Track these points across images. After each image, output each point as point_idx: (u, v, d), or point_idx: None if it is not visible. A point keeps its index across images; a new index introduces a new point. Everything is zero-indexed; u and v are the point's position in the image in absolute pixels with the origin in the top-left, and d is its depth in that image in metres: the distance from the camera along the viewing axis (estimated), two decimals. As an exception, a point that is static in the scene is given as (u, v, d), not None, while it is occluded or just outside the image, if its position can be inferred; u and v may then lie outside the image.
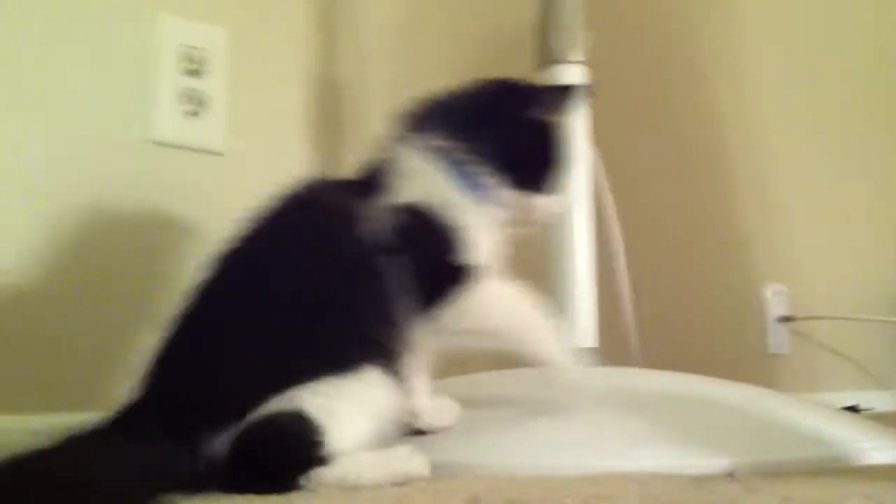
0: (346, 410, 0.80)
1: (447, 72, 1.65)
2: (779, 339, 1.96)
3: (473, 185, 0.93)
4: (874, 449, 0.96)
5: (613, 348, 1.28)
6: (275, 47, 1.47)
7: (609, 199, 1.43)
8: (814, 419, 1.01)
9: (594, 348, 1.25)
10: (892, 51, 2.28)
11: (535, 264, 1.27)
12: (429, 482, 0.79)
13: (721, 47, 2.02)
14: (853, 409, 1.44)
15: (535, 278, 1.19)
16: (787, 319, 1.94)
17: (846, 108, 2.21)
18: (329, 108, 1.52)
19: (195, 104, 1.34)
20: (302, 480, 0.76)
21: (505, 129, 0.96)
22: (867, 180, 2.23)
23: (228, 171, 1.38)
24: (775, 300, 1.96)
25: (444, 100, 1.00)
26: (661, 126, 1.95)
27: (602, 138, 1.37)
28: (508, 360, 0.97)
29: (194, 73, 1.35)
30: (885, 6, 2.31)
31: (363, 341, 0.82)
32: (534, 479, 0.79)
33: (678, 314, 1.84)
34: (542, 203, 0.97)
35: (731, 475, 0.78)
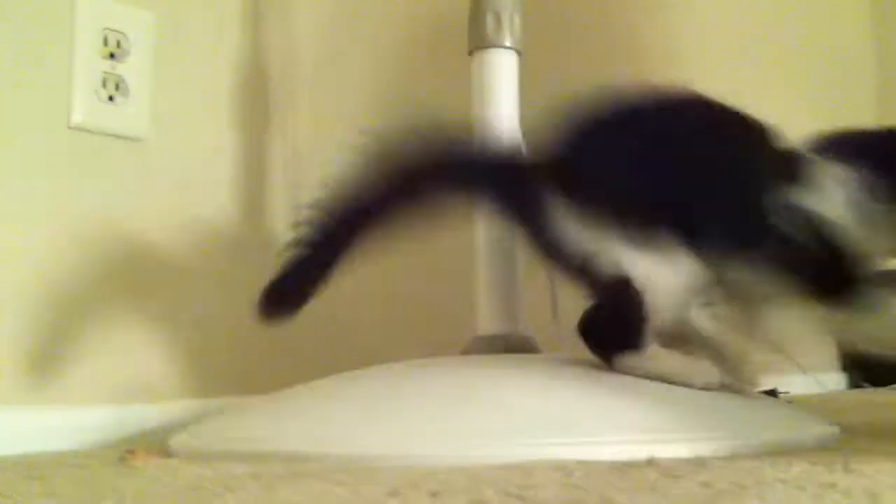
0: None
1: (377, 59, 1.64)
2: None
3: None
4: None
5: (540, 334, 1.27)
6: (201, 32, 1.43)
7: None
8: (731, 402, 1.01)
9: (526, 335, 1.25)
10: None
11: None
12: (347, 474, 0.77)
13: (661, 39, 2.03)
14: (772, 392, 1.46)
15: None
16: None
17: (787, 101, 2.24)
18: (256, 94, 1.49)
19: (117, 89, 1.31)
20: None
21: None
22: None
23: (150, 157, 1.34)
24: None
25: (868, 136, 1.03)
26: None
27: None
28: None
29: (117, 56, 1.31)
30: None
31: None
32: (454, 471, 0.78)
33: None
34: None
35: (650, 461, 0.77)
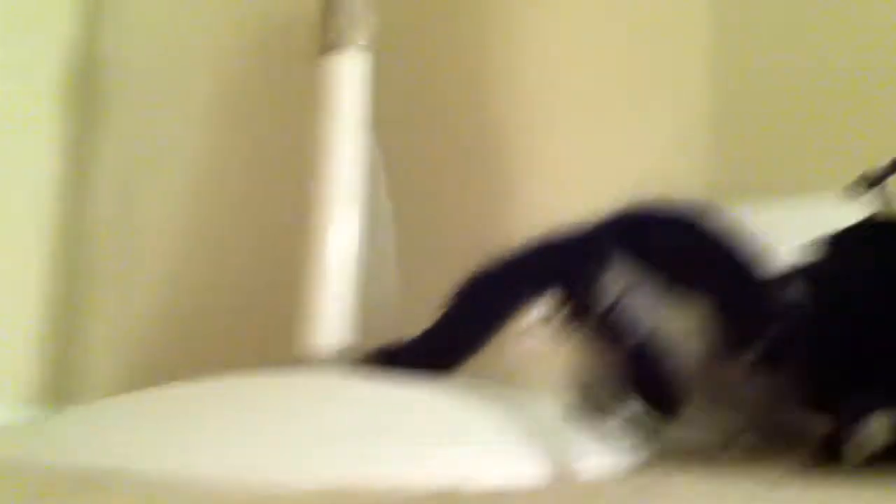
0: None
1: (220, 58, 1.57)
2: None
3: None
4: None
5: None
6: (33, 24, 1.33)
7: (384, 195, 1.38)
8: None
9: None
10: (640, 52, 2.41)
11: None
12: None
13: (505, 46, 2.03)
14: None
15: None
16: None
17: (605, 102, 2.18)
18: (89, 88, 1.40)
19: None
20: None
21: None
22: (621, 177, 2.20)
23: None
24: None
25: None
26: (444, 117, 1.90)
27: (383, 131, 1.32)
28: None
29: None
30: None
31: None
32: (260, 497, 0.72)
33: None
34: None
35: (453, 493, 0.74)
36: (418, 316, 1.44)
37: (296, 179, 1.24)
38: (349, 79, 1.24)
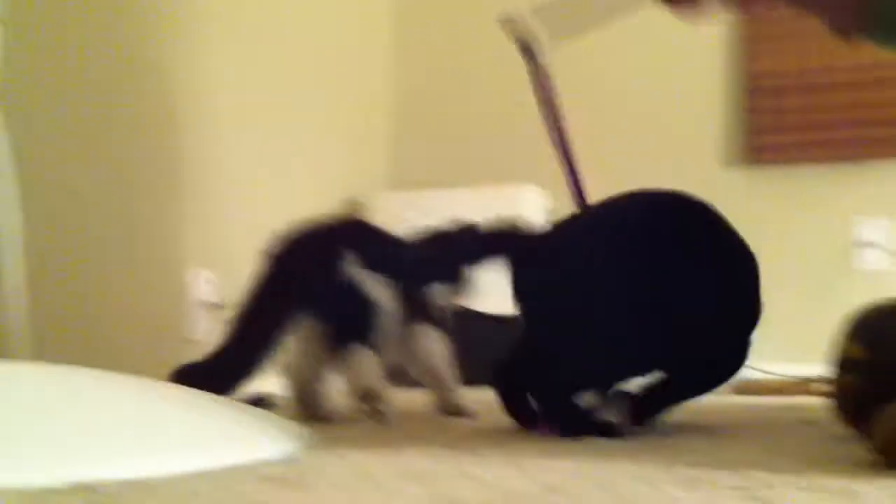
0: None
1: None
2: (204, 327, 1.89)
3: None
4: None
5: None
6: None
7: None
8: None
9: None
10: (327, 54, 2.47)
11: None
12: None
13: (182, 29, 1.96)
14: (261, 399, 1.43)
15: None
16: (214, 306, 1.90)
17: (290, 102, 2.33)
18: None
19: None
20: None
21: None
22: (304, 172, 2.40)
23: None
24: (201, 286, 1.91)
25: None
26: (98, 96, 1.74)
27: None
28: None
29: None
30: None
31: None
32: None
33: (94, 300, 1.66)
34: None
35: (79, 486, 0.68)
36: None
37: None
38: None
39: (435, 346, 1.41)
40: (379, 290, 1.35)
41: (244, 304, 1.35)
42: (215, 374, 1.30)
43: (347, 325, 1.34)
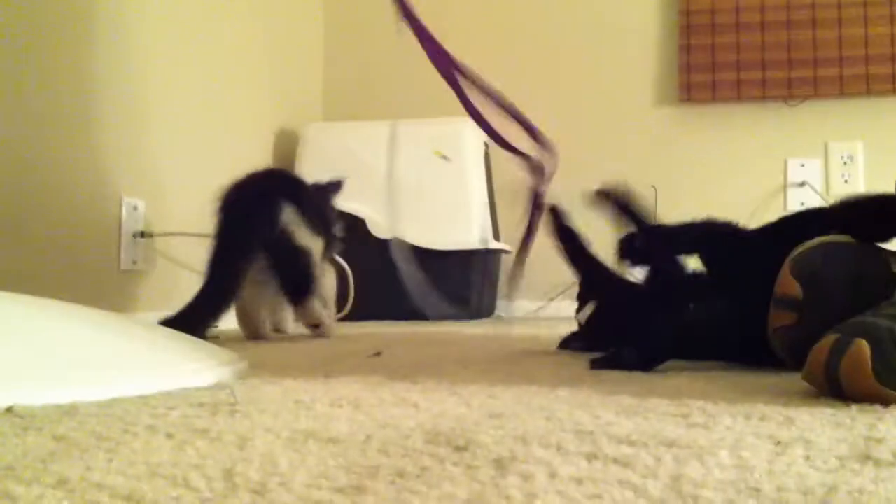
0: None
1: None
2: (134, 255, 1.88)
3: None
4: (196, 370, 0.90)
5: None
6: None
7: None
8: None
9: None
10: None
11: None
12: None
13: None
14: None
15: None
16: (143, 235, 1.88)
17: (222, 32, 2.29)
18: None
19: None
20: None
21: None
22: (236, 103, 2.37)
23: None
24: (132, 215, 1.87)
25: None
26: (24, 21, 1.65)
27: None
28: None
29: None
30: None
31: None
32: None
33: (24, 228, 1.60)
34: None
35: (9, 410, 0.67)
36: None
37: None
38: None
39: (329, 279, 1.80)
40: (308, 238, 1.63)
41: (210, 255, 1.55)
42: (193, 319, 1.46)
43: (296, 283, 1.61)
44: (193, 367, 0.91)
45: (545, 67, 2.73)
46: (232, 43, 2.35)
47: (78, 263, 1.72)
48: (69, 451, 0.54)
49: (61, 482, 0.46)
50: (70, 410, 0.68)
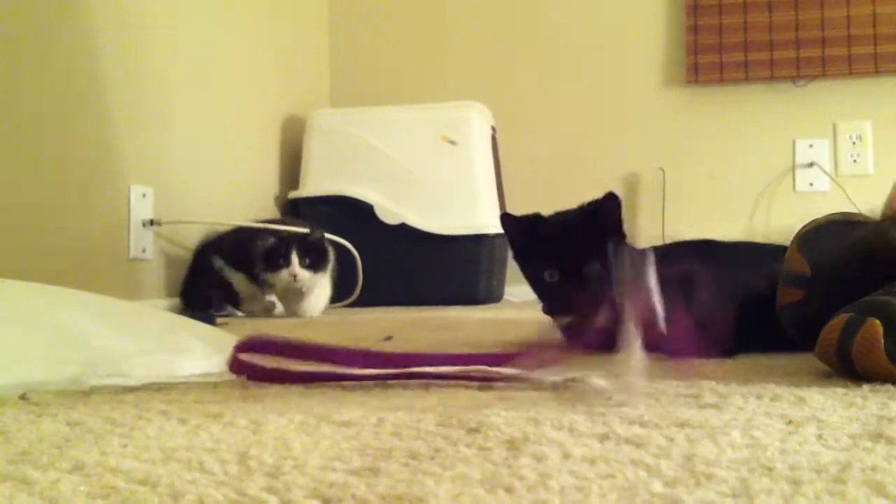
0: None
1: None
2: (143, 243, 1.89)
3: None
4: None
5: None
6: None
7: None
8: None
9: None
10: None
11: None
12: None
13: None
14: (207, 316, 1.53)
15: None
16: (151, 223, 1.89)
17: (230, 18, 2.31)
18: None
19: None
20: None
21: None
22: (244, 89, 2.38)
23: None
24: (140, 203, 1.88)
25: None
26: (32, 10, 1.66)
27: None
28: None
29: None
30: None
31: None
32: None
33: (32, 214, 1.60)
34: None
35: (23, 397, 0.67)
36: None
37: None
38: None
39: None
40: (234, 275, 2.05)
41: None
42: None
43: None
44: (204, 352, 0.91)
45: (552, 50, 2.72)
46: (238, 30, 2.35)
47: (87, 252, 1.73)
48: (84, 436, 0.54)
49: (77, 467, 0.47)
50: (83, 397, 0.68)
